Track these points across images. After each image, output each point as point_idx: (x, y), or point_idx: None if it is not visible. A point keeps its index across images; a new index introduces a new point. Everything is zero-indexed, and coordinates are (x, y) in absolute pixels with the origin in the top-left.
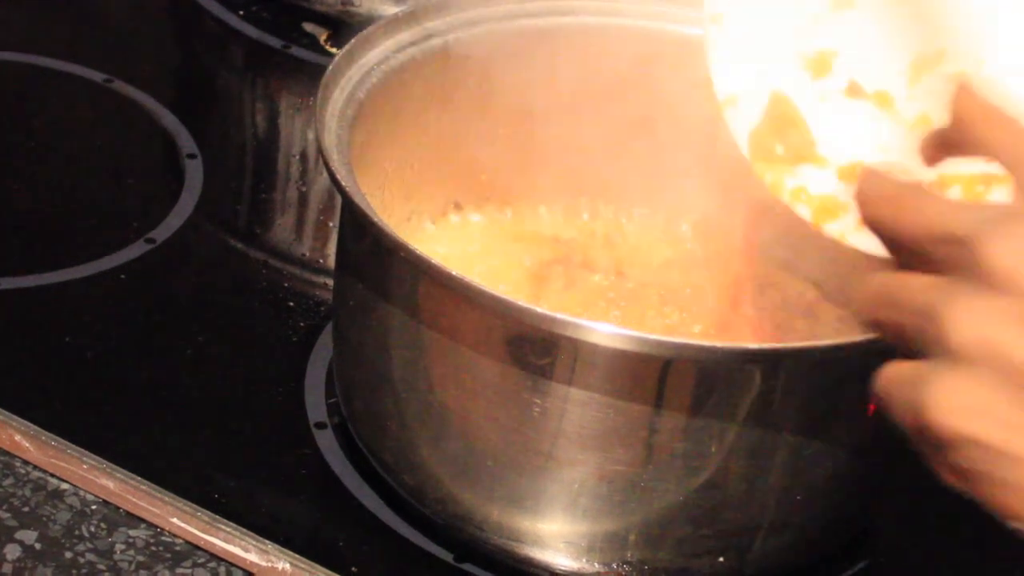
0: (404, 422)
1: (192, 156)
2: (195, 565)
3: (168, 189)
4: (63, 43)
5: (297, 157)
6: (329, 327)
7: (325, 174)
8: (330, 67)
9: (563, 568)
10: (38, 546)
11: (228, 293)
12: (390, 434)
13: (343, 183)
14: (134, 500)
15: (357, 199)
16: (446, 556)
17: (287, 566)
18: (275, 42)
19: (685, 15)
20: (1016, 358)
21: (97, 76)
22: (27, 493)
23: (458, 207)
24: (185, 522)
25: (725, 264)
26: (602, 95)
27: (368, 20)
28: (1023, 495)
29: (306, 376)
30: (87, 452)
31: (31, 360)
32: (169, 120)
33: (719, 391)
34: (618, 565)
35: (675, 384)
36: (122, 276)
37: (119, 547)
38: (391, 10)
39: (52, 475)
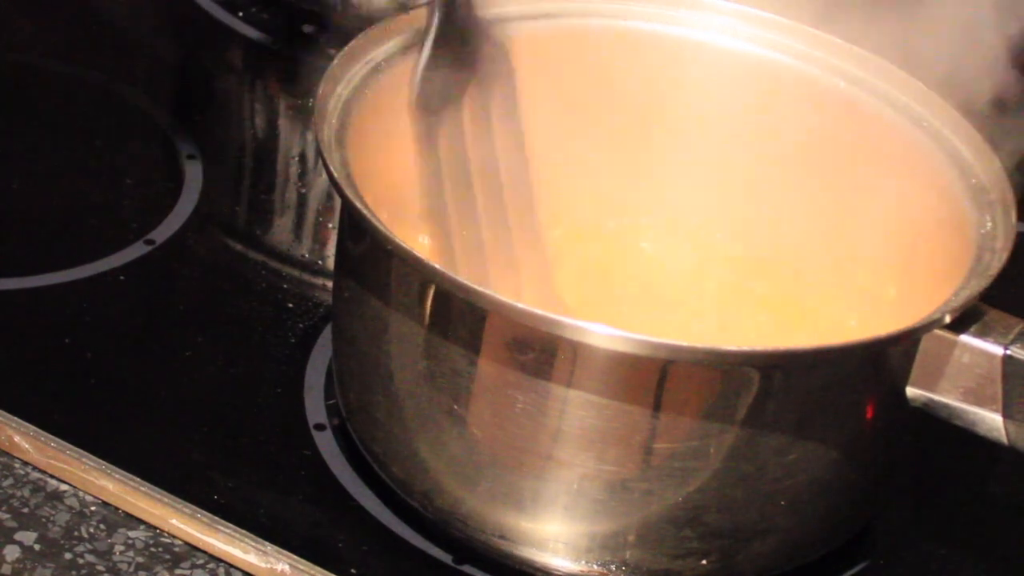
0: (403, 423)
1: (191, 157)
2: (194, 566)
3: (167, 190)
4: (62, 44)
5: (296, 158)
6: (328, 329)
7: (324, 175)
8: (332, 65)
9: (562, 569)
10: (37, 547)
11: (227, 294)
12: (390, 436)
13: (342, 185)
14: (133, 501)
15: (356, 201)
16: (445, 558)
17: (286, 567)
18: (274, 43)
19: (695, 19)
20: None
21: (97, 77)
22: (26, 494)
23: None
24: (184, 523)
25: (745, 273)
26: (612, 99)
27: (367, 21)
28: None
29: (305, 377)
30: (86, 453)
31: (30, 361)
32: (168, 121)
33: (718, 393)
34: (617, 567)
35: (674, 386)
36: (121, 277)
37: (118, 548)
38: (390, 11)
39: (51, 476)
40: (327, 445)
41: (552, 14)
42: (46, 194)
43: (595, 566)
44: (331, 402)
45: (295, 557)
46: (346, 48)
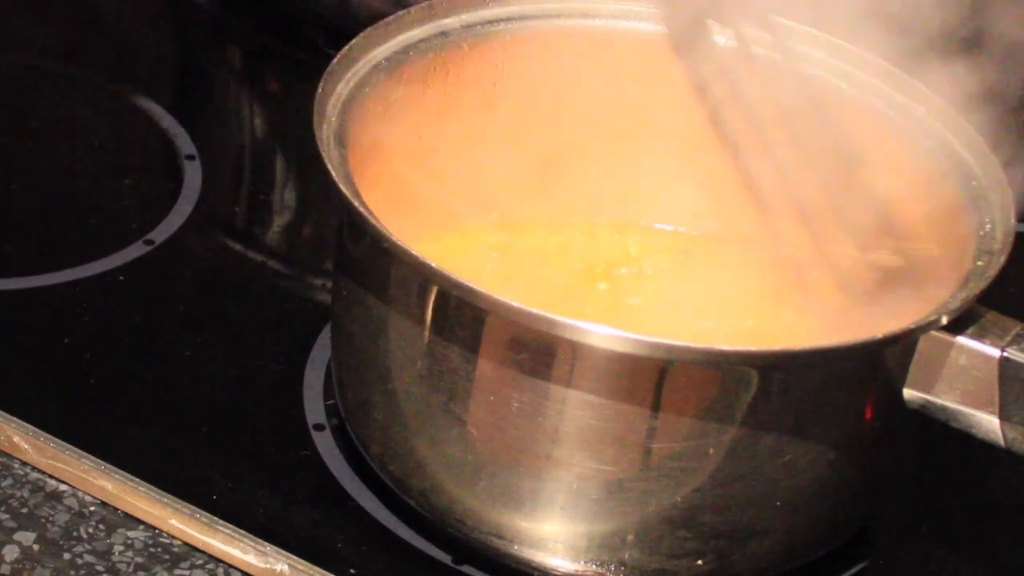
0: (403, 424)
1: (191, 157)
2: (193, 567)
3: (167, 190)
4: (62, 45)
5: (296, 158)
6: (327, 329)
7: (324, 175)
8: (332, 65)
9: (560, 569)
10: (36, 547)
11: (227, 295)
12: (389, 436)
13: (341, 185)
14: (132, 501)
15: (355, 201)
16: (444, 558)
17: (285, 568)
18: (274, 44)
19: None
20: None
21: (96, 77)
22: (25, 494)
23: (460, 212)
24: (183, 524)
25: (744, 273)
26: (612, 98)
27: (367, 22)
28: None
29: (304, 378)
30: (85, 453)
31: (30, 361)
32: (168, 121)
33: (716, 393)
34: (615, 566)
35: (672, 386)
36: (121, 277)
37: (117, 548)
38: (390, 12)
39: (50, 476)
40: (326, 445)
41: (552, 14)
42: (46, 194)
43: (593, 566)
44: (330, 402)
45: (294, 557)
46: (346, 48)
